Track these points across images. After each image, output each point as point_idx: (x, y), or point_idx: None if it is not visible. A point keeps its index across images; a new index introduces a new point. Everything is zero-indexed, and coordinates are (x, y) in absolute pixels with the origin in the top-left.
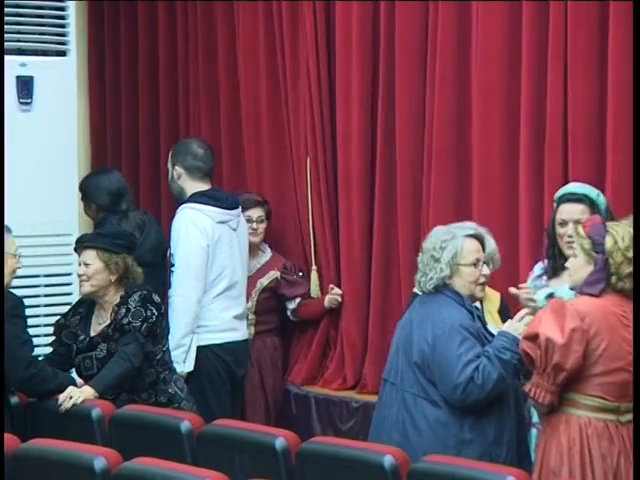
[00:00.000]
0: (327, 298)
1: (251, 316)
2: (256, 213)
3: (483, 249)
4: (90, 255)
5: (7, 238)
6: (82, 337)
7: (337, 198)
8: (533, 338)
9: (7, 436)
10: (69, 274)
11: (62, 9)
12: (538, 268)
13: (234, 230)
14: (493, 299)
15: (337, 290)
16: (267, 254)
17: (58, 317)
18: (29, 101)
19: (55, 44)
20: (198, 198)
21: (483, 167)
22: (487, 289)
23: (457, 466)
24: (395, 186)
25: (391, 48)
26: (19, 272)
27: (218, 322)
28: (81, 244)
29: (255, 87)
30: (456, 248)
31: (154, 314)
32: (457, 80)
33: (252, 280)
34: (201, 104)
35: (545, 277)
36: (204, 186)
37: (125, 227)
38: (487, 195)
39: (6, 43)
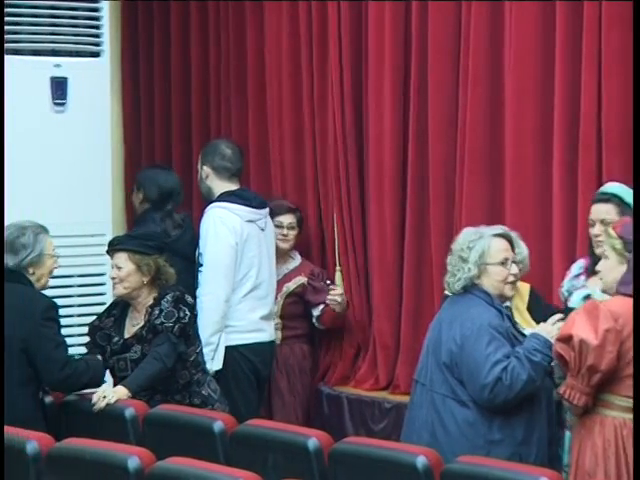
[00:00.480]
0: (327, 299)
1: (277, 320)
2: (287, 219)
3: (513, 249)
4: (122, 258)
5: (45, 239)
6: (116, 339)
7: (365, 198)
8: (567, 340)
9: (41, 435)
10: (103, 274)
11: (96, 10)
12: (576, 267)
13: (262, 230)
14: (523, 293)
15: (337, 290)
16: (296, 260)
17: (92, 317)
18: (63, 102)
19: (89, 45)
20: (227, 197)
21: (516, 167)
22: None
23: (490, 467)
24: (427, 186)
25: (423, 48)
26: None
27: (245, 322)
28: (112, 247)
29: (281, 87)
30: (483, 247)
31: (187, 315)
32: (490, 80)
33: (279, 284)
34: (231, 104)
35: (583, 277)
36: (232, 186)
37: (167, 226)
38: (520, 195)
39: (41, 44)
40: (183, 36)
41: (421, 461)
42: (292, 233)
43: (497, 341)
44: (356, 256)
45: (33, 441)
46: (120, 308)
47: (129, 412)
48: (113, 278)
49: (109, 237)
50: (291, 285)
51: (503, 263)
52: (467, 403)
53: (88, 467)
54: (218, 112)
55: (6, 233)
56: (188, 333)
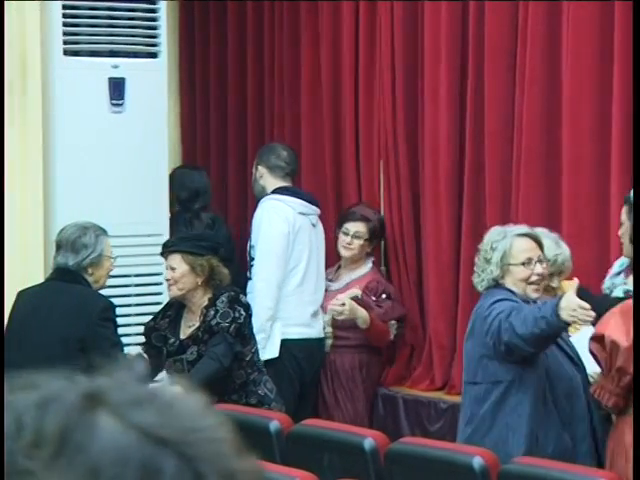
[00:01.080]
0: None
1: (328, 329)
2: (354, 228)
3: (541, 248)
4: (175, 259)
5: (105, 240)
6: (172, 340)
7: (419, 199)
8: (600, 339)
9: None
10: (159, 274)
11: (154, 11)
12: (617, 264)
13: (313, 226)
14: (567, 290)
15: (338, 300)
16: (364, 269)
17: (149, 317)
18: (121, 102)
19: (147, 46)
20: (279, 191)
21: (573, 167)
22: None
23: (548, 468)
24: (484, 186)
25: (480, 48)
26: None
27: (294, 315)
28: (166, 249)
29: (333, 87)
30: (505, 248)
31: (242, 315)
32: (547, 80)
33: (334, 293)
34: (285, 104)
35: (623, 274)
36: (285, 184)
37: (197, 226)
38: (577, 196)
39: (98, 45)
40: (239, 36)
41: (478, 462)
42: (357, 242)
43: (503, 302)
44: (406, 257)
45: None
46: (175, 309)
47: None
48: (168, 279)
49: (166, 237)
50: (342, 296)
51: (525, 263)
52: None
53: None
54: (272, 112)
55: (65, 233)
56: (244, 333)
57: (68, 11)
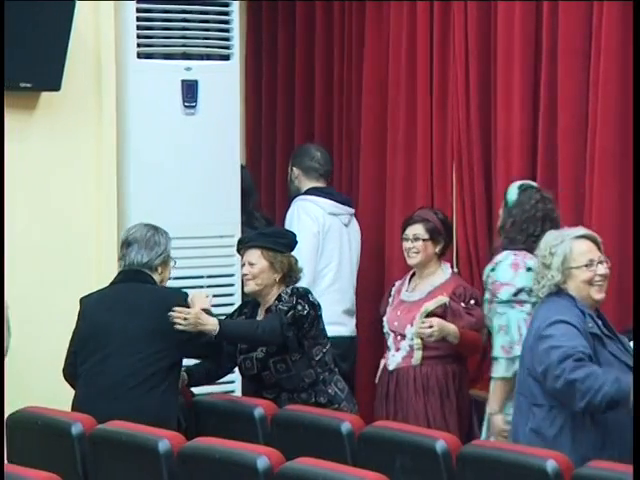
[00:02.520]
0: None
1: (417, 340)
2: (412, 231)
3: (599, 249)
4: (255, 254)
5: (170, 241)
6: None
7: (492, 200)
8: None
9: (173, 434)
10: (232, 275)
11: (227, 13)
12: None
13: (345, 225)
14: None
15: (426, 322)
16: (445, 275)
17: (221, 318)
18: (193, 104)
19: (219, 48)
20: (313, 192)
21: None
22: None
23: (621, 472)
24: (557, 186)
25: (553, 47)
26: (183, 273)
27: (327, 314)
28: (244, 244)
29: (401, 88)
30: (565, 252)
31: (305, 309)
32: (621, 80)
33: (422, 303)
34: (353, 105)
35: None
36: (319, 185)
37: (257, 226)
38: None
39: (172, 48)
40: (307, 36)
41: (551, 465)
42: (418, 245)
43: (568, 333)
44: (479, 259)
45: (165, 439)
46: (251, 307)
47: (258, 412)
48: (245, 274)
49: (237, 238)
50: (430, 305)
51: (587, 265)
52: (542, 405)
53: (218, 466)
54: (340, 113)
55: (136, 232)
56: (302, 325)
57: (142, 14)
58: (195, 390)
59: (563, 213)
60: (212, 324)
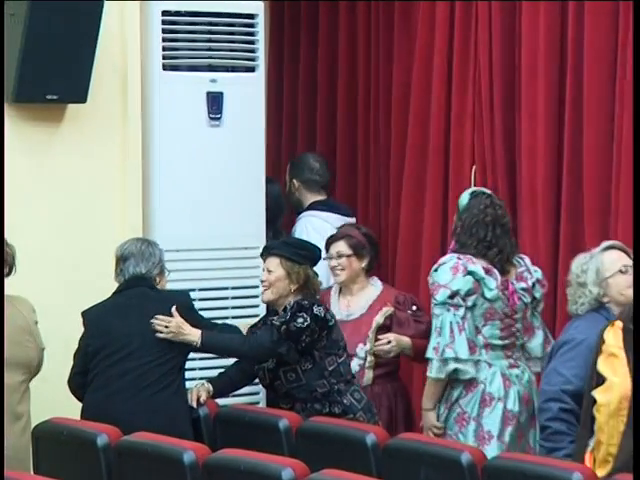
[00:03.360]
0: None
1: (370, 358)
2: (335, 248)
3: (630, 256)
4: (274, 262)
5: (162, 252)
6: None
7: (516, 213)
8: None
9: (198, 445)
10: (256, 287)
11: (252, 26)
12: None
13: None
14: None
15: (383, 339)
16: (377, 287)
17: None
18: (219, 116)
19: (245, 60)
20: (317, 206)
21: None
22: None
23: None
24: (582, 202)
25: (579, 53)
26: (208, 284)
27: None
28: (267, 251)
29: (425, 96)
30: (597, 265)
31: (305, 321)
32: None
33: (365, 319)
34: (380, 113)
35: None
36: (321, 197)
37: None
38: None
39: (197, 60)
40: (329, 45)
41: (576, 478)
42: (342, 262)
43: (576, 358)
44: None
45: (190, 451)
46: (273, 315)
47: (283, 424)
48: (262, 281)
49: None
50: (380, 318)
51: (622, 271)
52: None
53: (242, 478)
54: (366, 121)
55: (129, 246)
56: (298, 338)
57: (167, 26)
58: (219, 401)
59: (588, 228)
60: (194, 335)
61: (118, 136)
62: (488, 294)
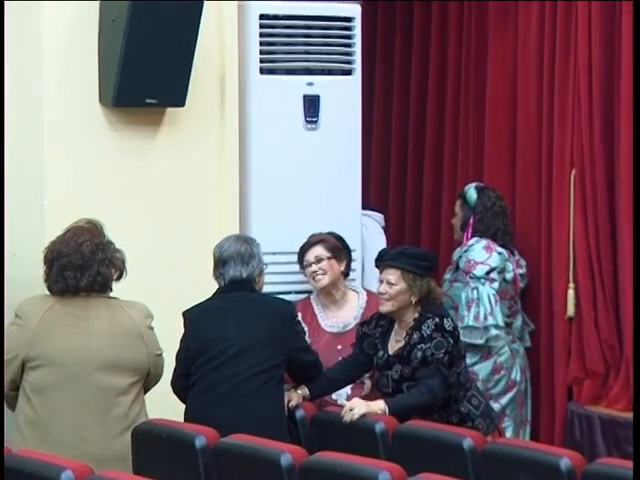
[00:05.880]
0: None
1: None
2: (312, 254)
3: None
4: (395, 275)
5: (261, 249)
6: (381, 353)
7: (615, 217)
8: None
9: (295, 448)
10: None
11: (349, 29)
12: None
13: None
14: None
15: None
16: (362, 293)
17: None
18: (315, 119)
19: (341, 63)
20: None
21: None
22: None
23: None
24: None
25: None
26: (306, 287)
27: None
28: (383, 261)
29: (518, 92)
30: None
31: (450, 342)
32: None
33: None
34: (469, 117)
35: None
36: None
37: None
38: None
39: (294, 63)
40: (422, 46)
41: None
42: (323, 265)
43: None
44: (602, 273)
45: (287, 453)
46: (388, 320)
47: (379, 427)
48: (382, 293)
49: (359, 252)
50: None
51: None
52: None
53: None
54: (455, 123)
55: (229, 248)
56: (454, 361)
57: (265, 30)
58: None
59: None
60: (377, 408)
61: (215, 139)
62: (507, 276)
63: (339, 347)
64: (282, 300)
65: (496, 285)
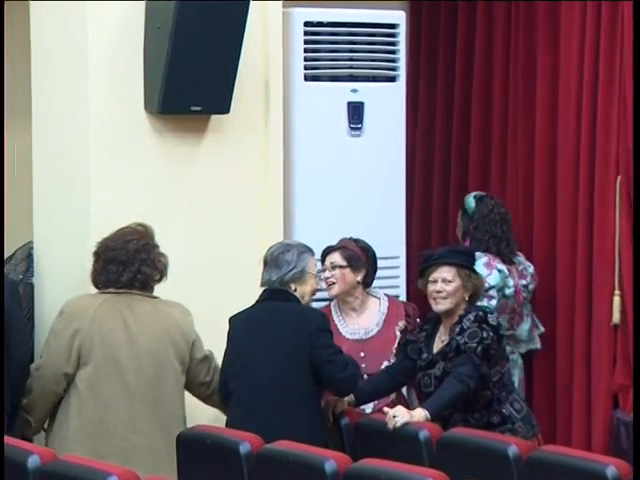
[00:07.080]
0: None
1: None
2: (330, 259)
3: None
4: (450, 272)
5: (308, 258)
6: (425, 355)
7: None
8: None
9: (339, 455)
10: (397, 297)
11: (393, 35)
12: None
13: None
14: None
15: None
16: (383, 299)
17: None
18: (359, 126)
19: (386, 70)
20: None
21: None
22: None
23: None
24: None
25: None
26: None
27: None
28: (434, 260)
29: (564, 96)
30: None
31: (489, 335)
32: None
33: (386, 334)
34: (518, 125)
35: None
36: None
37: None
38: None
39: (338, 70)
40: (467, 50)
41: None
42: (335, 273)
43: None
44: None
45: (331, 460)
46: (432, 324)
47: (423, 434)
48: (439, 292)
49: (403, 259)
50: (399, 332)
51: None
52: None
53: None
54: (502, 131)
55: (270, 250)
56: (490, 354)
57: (309, 37)
58: None
59: None
60: (420, 416)
61: (260, 146)
62: (507, 291)
63: (362, 354)
64: (312, 311)
65: (494, 302)
